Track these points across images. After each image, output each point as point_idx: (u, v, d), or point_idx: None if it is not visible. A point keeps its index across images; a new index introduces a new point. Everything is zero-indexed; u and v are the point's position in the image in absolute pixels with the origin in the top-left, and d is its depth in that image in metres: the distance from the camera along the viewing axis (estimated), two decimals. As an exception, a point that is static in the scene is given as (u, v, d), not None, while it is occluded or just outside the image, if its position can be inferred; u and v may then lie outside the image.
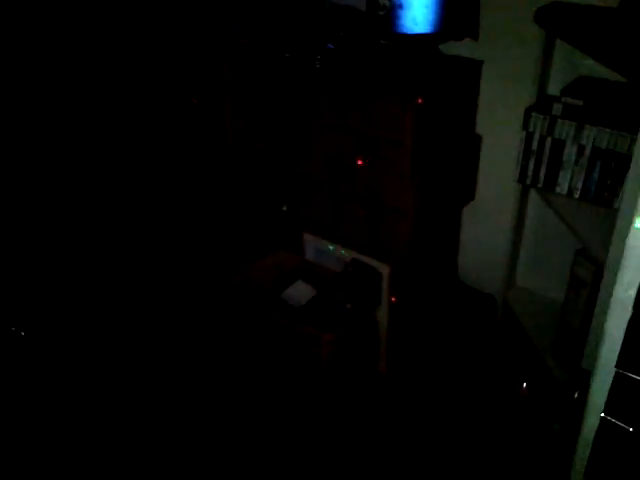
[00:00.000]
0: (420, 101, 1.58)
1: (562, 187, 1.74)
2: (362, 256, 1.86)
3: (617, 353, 1.10)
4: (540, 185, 1.78)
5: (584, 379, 1.57)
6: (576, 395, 1.59)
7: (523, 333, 1.96)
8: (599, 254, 1.57)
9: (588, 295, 1.71)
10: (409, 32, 1.56)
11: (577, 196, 1.71)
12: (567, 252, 1.76)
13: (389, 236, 1.81)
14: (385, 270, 1.83)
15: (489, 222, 2.06)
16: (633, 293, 1.02)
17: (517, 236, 1.98)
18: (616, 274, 1.43)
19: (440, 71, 1.77)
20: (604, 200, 1.67)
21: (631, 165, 1.34)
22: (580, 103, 1.62)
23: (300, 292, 1.87)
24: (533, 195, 1.91)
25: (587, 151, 1.64)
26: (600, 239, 1.58)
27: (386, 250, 1.84)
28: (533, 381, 1.84)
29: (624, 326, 1.07)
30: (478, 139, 1.98)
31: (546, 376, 1.81)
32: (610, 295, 1.47)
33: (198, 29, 2.03)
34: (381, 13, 1.53)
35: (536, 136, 1.73)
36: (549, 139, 1.70)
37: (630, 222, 1.36)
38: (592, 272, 1.68)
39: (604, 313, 1.49)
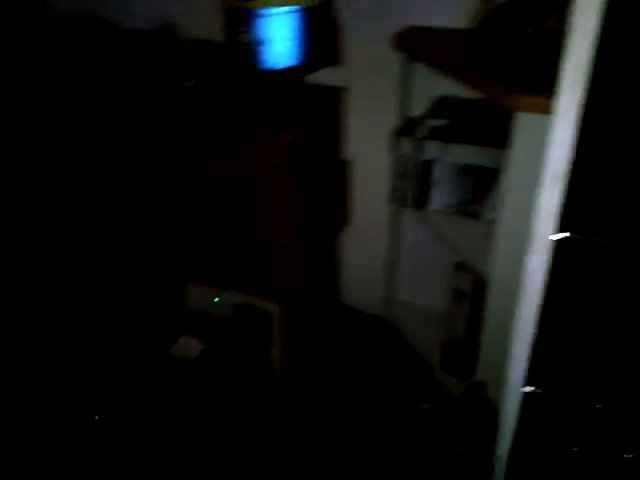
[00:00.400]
0: (293, 136, 1.53)
1: (434, 204, 1.78)
2: (250, 298, 1.78)
3: (524, 372, 1.12)
4: (413, 204, 1.81)
5: (479, 391, 1.62)
6: (476, 407, 1.63)
7: (412, 350, 1.98)
8: (476, 264, 1.62)
9: (470, 305, 1.77)
10: (273, 67, 1.51)
11: (449, 211, 1.77)
12: (446, 265, 1.81)
13: (275, 274, 1.75)
14: (274, 309, 1.77)
15: (367, 244, 2.07)
16: (535, 313, 1.04)
17: (395, 255, 2.01)
18: (502, 288, 1.49)
19: (307, 102, 1.74)
20: (474, 213, 1.74)
21: (502, 181, 1.39)
22: (445, 123, 1.67)
23: (188, 346, 1.75)
24: (408, 213, 1.93)
25: (455, 168, 1.70)
26: (475, 250, 1.64)
27: (273, 288, 1.77)
28: (430, 399, 1.86)
29: (529, 346, 1.09)
30: (347, 165, 1.99)
31: (440, 392, 1.84)
32: (497, 308, 1.54)
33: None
34: (243, 49, 1.47)
35: (405, 158, 1.76)
36: (418, 160, 1.73)
37: (509, 235, 1.42)
38: (471, 282, 1.74)
39: (495, 326, 1.56)
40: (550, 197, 0.91)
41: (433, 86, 1.66)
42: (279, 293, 1.77)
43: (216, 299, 1.88)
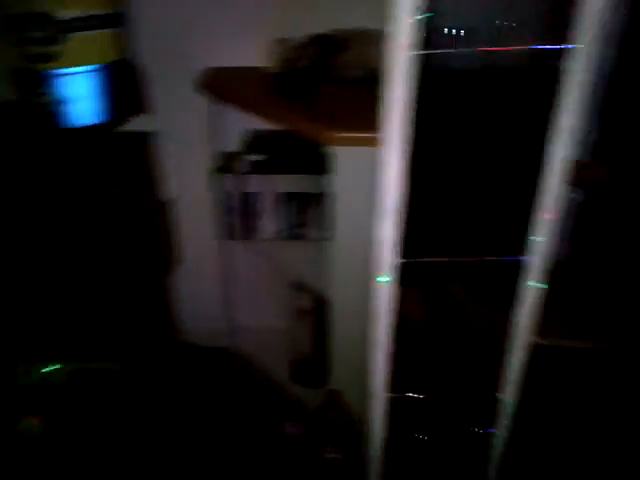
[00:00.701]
0: (116, 188, 1.49)
1: (263, 233, 1.85)
2: (90, 362, 1.69)
3: (386, 380, 1.23)
4: (242, 236, 1.86)
5: (336, 399, 1.73)
6: (336, 415, 1.73)
7: (262, 373, 2.03)
8: (313, 282, 1.72)
9: (313, 321, 1.87)
10: (78, 124, 1.45)
11: (278, 237, 1.85)
12: (285, 287, 1.89)
13: (115, 331, 1.68)
14: (119, 367, 1.70)
15: (204, 280, 2.07)
16: (388, 329, 1.15)
17: (231, 287, 2.03)
18: (343, 303, 1.61)
19: (121, 153, 1.70)
20: (302, 235, 1.84)
21: (332, 206, 1.50)
22: (262, 157, 1.73)
23: (30, 426, 1.61)
24: (240, 244, 1.96)
25: (278, 197, 1.78)
26: (310, 269, 1.74)
27: (116, 347, 1.70)
28: (291, 416, 1.92)
29: (387, 358, 1.20)
30: (169, 206, 1.96)
31: (298, 407, 1.92)
32: (342, 322, 1.65)
33: None
34: (42, 110, 1.39)
35: (228, 193, 1.80)
36: (241, 193, 1.78)
37: (344, 255, 1.54)
38: (311, 300, 1.84)
39: (343, 339, 1.67)
40: (389, 226, 1.02)
41: (245, 122, 1.71)
42: (122, 350, 1.71)
43: (50, 369, 1.75)
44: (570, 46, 0.80)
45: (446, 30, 0.84)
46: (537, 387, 1.23)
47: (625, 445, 1.73)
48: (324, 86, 1.51)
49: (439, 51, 0.82)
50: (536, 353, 1.14)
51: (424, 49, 0.82)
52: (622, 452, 1.70)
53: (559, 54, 0.81)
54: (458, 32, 0.83)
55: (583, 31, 0.77)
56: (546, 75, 0.86)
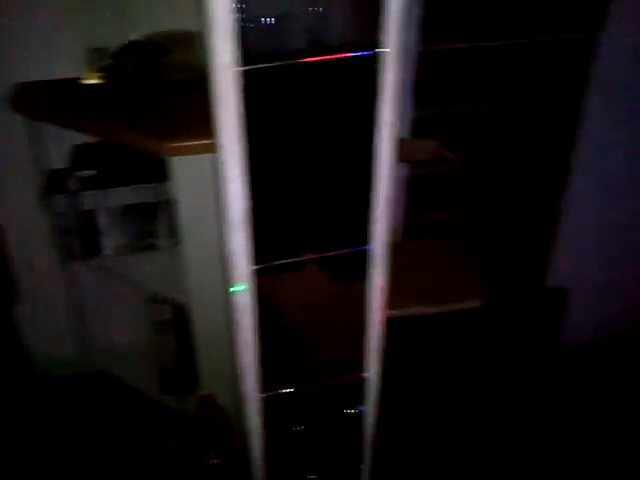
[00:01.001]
0: None
1: (107, 249, 1.77)
2: None
3: (257, 382, 1.25)
4: (86, 255, 1.77)
5: (211, 403, 1.73)
6: (214, 419, 1.73)
7: (132, 391, 1.97)
8: (169, 292, 1.69)
9: (176, 331, 1.84)
10: None
11: (126, 251, 1.78)
12: (142, 301, 1.84)
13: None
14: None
15: (52, 307, 1.94)
16: (252, 336, 1.17)
17: (83, 309, 1.93)
18: (203, 312, 1.60)
19: None
20: (150, 245, 1.79)
21: (178, 214, 1.47)
22: (93, 173, 1.65)
23: None
24: (84, 264, 1.86)
25: (117, 210, 1.71)
26: (164, 279, 1.70)
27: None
28: (168, 429, 1.88)
29: (254, 360, 1.21)
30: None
31: (174, 417, 1.89)
32: (204, 330, 1.65)
33: None
34: None
35: (62, 213, 1.69)
36: (76, 212, 1.68)
37: (197, 263, 1.53)
38: (170, 310, 1.80)
39: (207, 346, 1.67)
40: (238, 234, 1.02)
41: (71, 136, 1.61)
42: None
43: None
44: (380, 50, 0.85)
45: (262, 20, 0.85)
46: (396, 358, 1.32)
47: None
48: (150, 94, 1.46)
49: (263, 65, 0.84)
50: (390, 326, 1.22)
51: (243, 54, 0.83)
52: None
53: (373, 58, 0.86)
54: (271, 21, 0.85)
55: (390, 36, 0.83)
56: (364, 73, 0.92)
